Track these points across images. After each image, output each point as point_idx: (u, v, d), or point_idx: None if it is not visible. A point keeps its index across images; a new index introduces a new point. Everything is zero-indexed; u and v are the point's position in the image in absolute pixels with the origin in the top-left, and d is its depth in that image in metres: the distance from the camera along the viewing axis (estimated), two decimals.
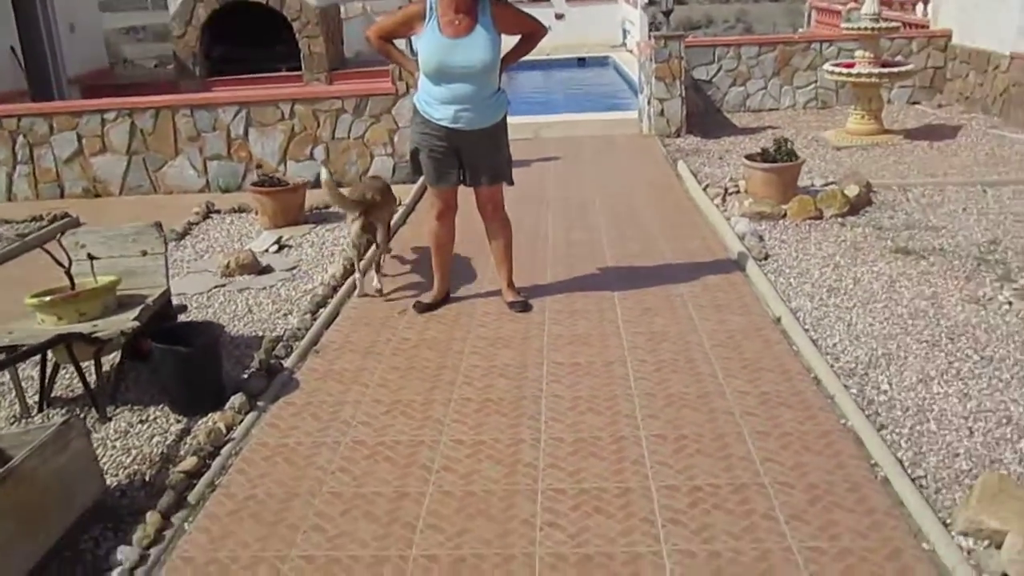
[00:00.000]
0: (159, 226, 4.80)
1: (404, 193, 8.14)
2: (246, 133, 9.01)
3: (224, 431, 3.93)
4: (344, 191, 5.78)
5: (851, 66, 9.77)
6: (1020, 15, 10.18)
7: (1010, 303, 4.99)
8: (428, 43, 4.79)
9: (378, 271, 5.80)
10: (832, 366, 4.32)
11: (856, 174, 7.56)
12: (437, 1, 4.82)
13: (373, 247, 5.78)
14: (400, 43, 5.45)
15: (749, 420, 3.86)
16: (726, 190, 7.55)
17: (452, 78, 4.80)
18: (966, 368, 4.27)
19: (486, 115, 4.94)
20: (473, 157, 5.02)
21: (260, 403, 4.23)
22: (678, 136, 10.36)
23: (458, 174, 5.10)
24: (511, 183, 5.29)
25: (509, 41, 5.07)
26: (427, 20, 4.82)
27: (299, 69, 14.41)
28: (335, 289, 5.78)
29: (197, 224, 7.77)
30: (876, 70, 9.49)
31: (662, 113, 10.43)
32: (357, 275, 5.69)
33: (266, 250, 6.80)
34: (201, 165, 9.08)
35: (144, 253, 4.67)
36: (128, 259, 4.67)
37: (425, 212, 5.56)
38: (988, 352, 4.44)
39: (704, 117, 11.42)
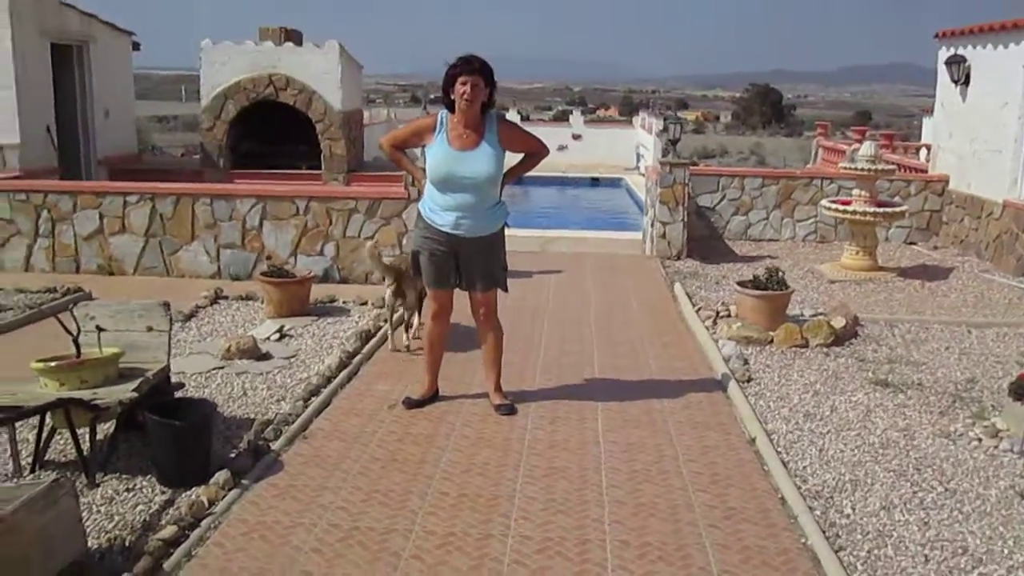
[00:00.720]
0: (166, 305, 5.04)
1: None
2: (261, 225, 9.36)
3: (206, 504, 4.07)
4: (385, 260, 6.71)
5: (848, 203, 10.14)
6: (1012, 166, 10.61)
7: (980, 439, 5.14)
8: (437, 153, 5.12)
9: (407, 330, 6.84)
10: (799, 488, 4.45)
11: (845, 307, 7.80)
12: (447, 116, 5.18)
13: (402, 310, 6.79)
14: (416, 151, 5.82)
15: (713, 533, 3.99)
16: (717, 313, 7.79)
17: (457, 187, 5.10)
18: (929, 499, 4.40)
19: (486, 224, 5.23)
20: (470, 263, 5.29)
21: (244, 481, 4.37)
22: (679, 259, 10.68)
23: (455, 278, 5.36)
24: (505, 290, 5.55)
25: (512, 158, 5.40)
26: (437, 132, 5.17)
27: (319, 168, 14.96)
28: (329, 379, 5.97)
29: (204, 308, 8.03)
30: (871, 209, 9.85)
31: (664, 236, 10.78)
32: (388, 330, 6.77)
33: (267, 337, 7.02)
34: (215, 252, 9.41)
35: (149, 329, 4.89)
36: (133, 334, 4.89)
37: (426, 314, 5.80)
38: (952, 485, 4.57)
39: (706, 242, 11.78)
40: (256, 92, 15.19)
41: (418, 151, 5.85)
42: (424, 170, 5.30)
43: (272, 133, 15.34)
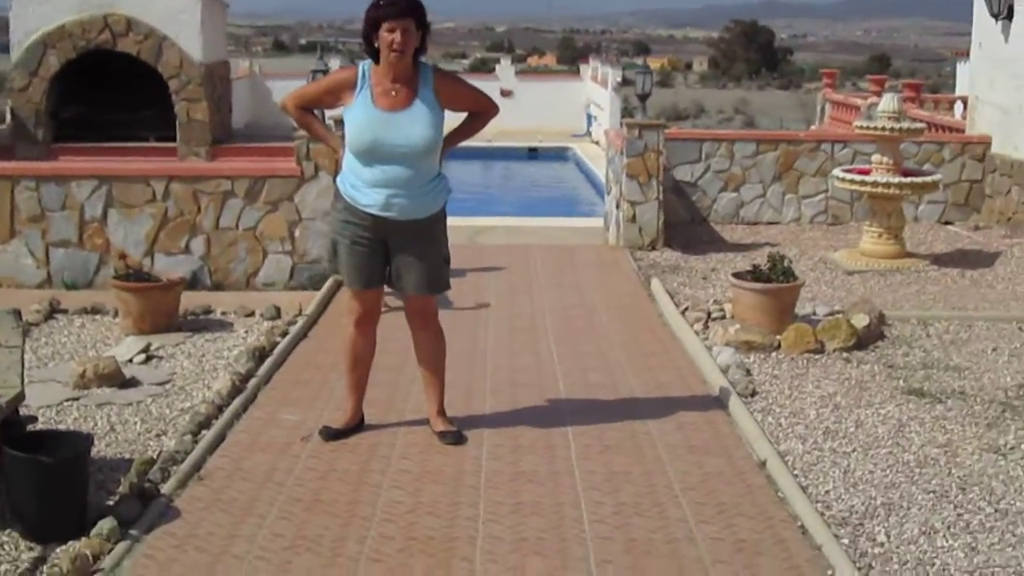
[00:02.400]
0: (17, 314, 5.32)
1: (306, 300, 8.75)
2: (105, 215, 9.58)
3: (91, 559, 4.38)
4: None
5: (866, 173, 10.79)
6: None
7: None
8: (359, 116, 5.42)
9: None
10: (823, 514, 4.95)
11: (867, 303, 8.39)
12: (371, 68, 5.50)
13: None
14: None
15: (721, 569, 4.45)
16: (709, 314, 8.32)
17: (385, 158, 5.39)
18: (976, 521, 4.94)
19: (423, 204, 5.53)
20: (403, 254, 5.58)
21: (133, 532, 4.69)
22: (653, 249, 11.23)
23: (383, 273, 5.69)
24: (447, 288, 5.90)
25: (451, 119, 5.75)
26: (358, 90, 5.46)
27: (172, 139, 15.12)
28: (220, 408, 6.29)
29: (38, 325, 8.26)
30: (896, 179, 10.52)
31: (634, 220, 11.31)
32: None
33: (131, 359, 7.31)
34: (42, 252, 9.59)
35: None
36: None
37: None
38: (1003, 505, 5.12)
39: (686, 227, 12.35)
40: (86, 40, 15.29)
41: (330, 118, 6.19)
42: (343, 138, 5.63)
43: (107, 94, 15.42)
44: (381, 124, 5.38)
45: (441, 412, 5.96)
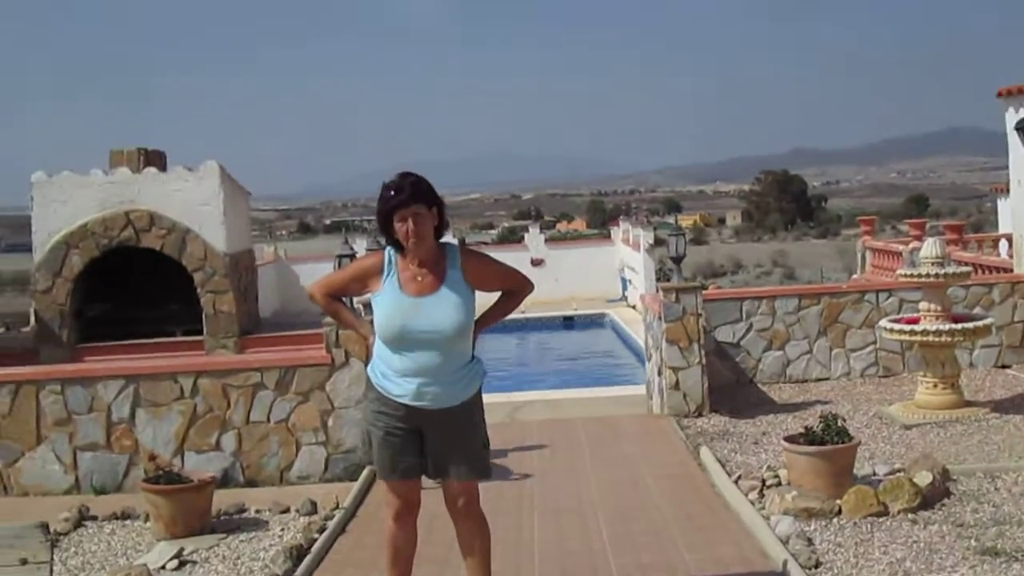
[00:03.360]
0: (45, 528, 5.30)
1: (342, 493, 8.68)
2: (132, 415, 9.63)
3: None
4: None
5: (915, 321, 10.76)
6: None
7: None
8: (387, 303, 5.42)
9: None
10: None
11: (929, 458, 8.25)
12: (395, 254, 5.51)
13: None
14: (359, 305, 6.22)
15: None
16: (763, 482, 8.20)
17: (415, 345, 5.37)
18: None
19: (456, 391, 5.47)
20: (440, 442, 5.52)
21: None
22: (699, 416, 11.17)
23: (421, 464, 5.59)
24: (489, 474, 5.78)
25: (483, 299, 5.76)
26: (385, 276, 5.48)
27: (199, 333, 15.27)
28: None
29: (67, 534, 8.23)
30: (946, 327, 10.46)
31: (677, 387, 11.27)
32: None
33: (163, 566, 7.24)
34: (70, 457, 9.61)
35: (24, 562, 5.13)
36: (2, 569, 5.12)
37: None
38: None
39: (732, 390, 12.29)
40: (109, 237, 15.64)
41: (358, 303, 6.25)
42: (372, 324, 5.65)
43: (132, 290, 15.68)
44: (410, 310, 5.36)
45: None
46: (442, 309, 5.39)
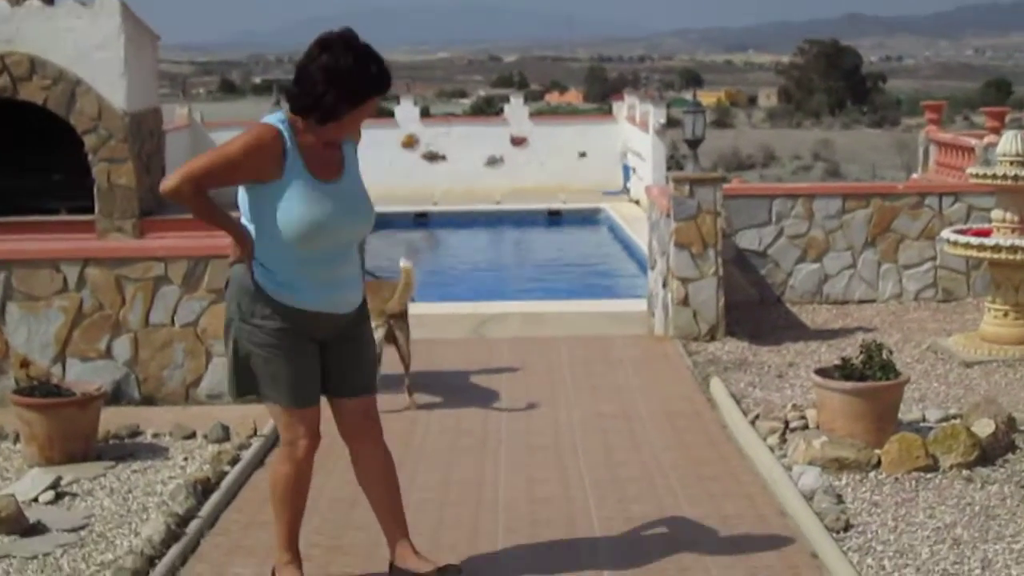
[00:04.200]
0: None
1: (261, 417, 8.69)
2: (2, 311, 9.57)
3: None
4: None
5: (986, 234, 10.75)
6: None
7: None
8: (298, 193, 5.37)
9: (410, 393, 9.19)
10: None
11: (993, 403, 8.31)
12: (289, 126, 5.42)
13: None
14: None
15: None
16: (787, 424, 8.24)
17: (332, 243, 5.48)
18: None
19: (360, 289, 5.74)
20: (342, 353, 5.71)
21: None
22: (712, 340, 11.18)
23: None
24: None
25: None
26: (287, 159, 5.38)
27: (90, 211, 15.16)
28: (152, 561, 6.22)
29: None
30: None
31: (686, 302, 11.28)
32: None
33: (36, 498, 7.24)
34: None
35: None
36: None
37: (278, 451, 6.00)
38: None
39: (754, 310, 12.31)
40: None
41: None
42: (253, 230, 5.45)
43: (5, 154, 15.52)
44: (327, 201, 5.42)
45: (411, 545, 5.91)
46: (356, 195, 5.57)
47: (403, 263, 9.12)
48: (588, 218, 24.03)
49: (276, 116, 5.45)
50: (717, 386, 9.40)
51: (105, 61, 15.50)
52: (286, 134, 5.36)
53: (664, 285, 11.56)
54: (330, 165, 5.46)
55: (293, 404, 5.61)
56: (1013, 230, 10.62)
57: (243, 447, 8.13)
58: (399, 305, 9.11)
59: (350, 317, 5.65)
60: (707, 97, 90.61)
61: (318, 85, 5.28)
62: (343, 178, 5.50)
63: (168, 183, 5.26)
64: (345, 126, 5.45)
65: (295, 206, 5.33)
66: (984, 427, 7.79)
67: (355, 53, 5.32)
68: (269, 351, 5.49)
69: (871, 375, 7.82)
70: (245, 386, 5.62)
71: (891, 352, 8.07)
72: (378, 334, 8.88)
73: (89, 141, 15.36)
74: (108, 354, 9.56)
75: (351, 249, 5.57)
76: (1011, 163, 10.55)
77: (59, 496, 7.38)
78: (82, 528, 6.84)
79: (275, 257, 5.40)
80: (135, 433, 8.58)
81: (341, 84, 5.29)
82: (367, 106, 5.40)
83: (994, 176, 10.62)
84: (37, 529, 6.78)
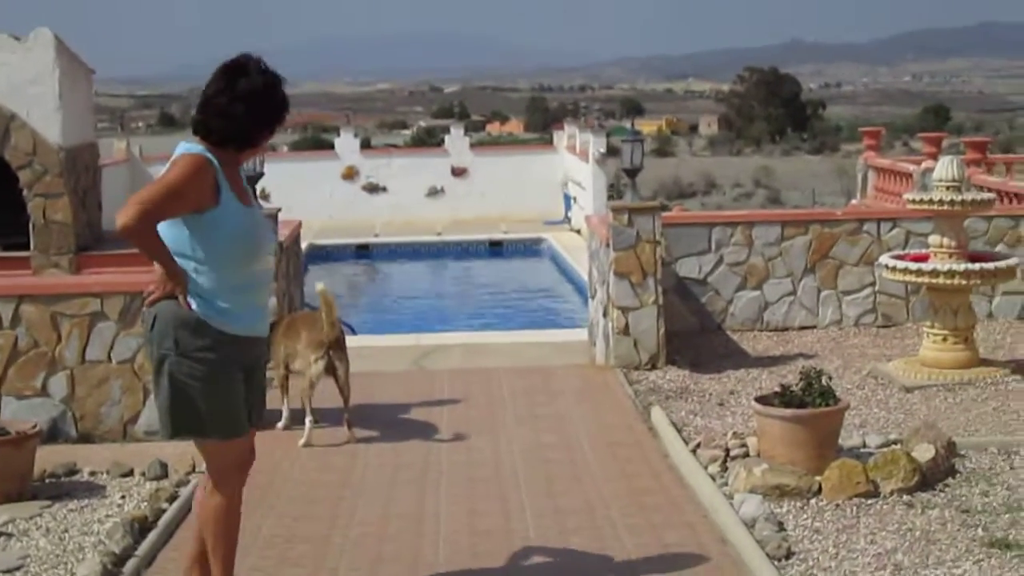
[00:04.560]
0: None
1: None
2: None
3: None
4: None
5: (924, 259, 10.83)
6: None
7: None
8: (235, 219, 5.46)
9: (349, 427, 9.16)
10: None
11: (933, 428, 8.37)
12: (212, 157, 5.48)
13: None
14: None
15: None
16: (727, 452, 8.26)
17: (259, 265, 5.68)
18: None
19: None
20: (253, 383, 5.81)
21: None
22: (653, 368, 11.22)
23: None
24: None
25: None
26: (220, 188, 5.45)
27: (25, 247, 15.04)
28: None
29: None
30: (961, 267, 10.54)
31: (626, 331, 11.30)
32: (309, 421, 9.05)
33: None
34: None
35: None
36: None
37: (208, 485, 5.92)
38: None
39: (695, 338, 12.35)
40: None
41: None
42: (186, 263, 5.44)
43: None
44: (255, 225, 5.65)
45: None
46: (265, 219, 5.92)
47: (318, 286, 9.30)
48: (530, 248, 24.09)
49: (195, 146, 5.43)
50: (658, 415, 9.42)
51: (39, 95, 15.40)
52: (216, 163, 5.42)
53: (604, 314, 11.58)
54: (244, 192, 5.62)
55: (232, 435, 5.64)
56: (950, 255, 10.70)
57: (181, 484, 8.08)
58: (332, 330, 9.18)
59: (264, 342, 5.92)
60: (648, 126, 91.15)
61: (239, 112, 5.39)
62: (254, 203, 5.72)
63: (127, 220, 5.18)
64: (256, 151, 5.75)
65: (234, 231, 5.44)
66: (924, 452, 7.84)
67: (267, 77, 5.48)
68: (208, 384, 5.49)
69: (811, 402, 7.85)
70: (180, 424, 5.54)
71: (831, 378, 8.10)
72: (318, 367, 9.05)
73: (24, 176, 15.24)
74: (44, 391, 9.50)
75: (270, 269, 5.88)
76: (947, 188, 10.65)
77: None
78: (17, 569, 6.79)
79: (212, 287, 5.45)
80: (72, 471, 8.52)
81: (260, 109, 5.45)
82: (271, 132, 5.63)
83: (931, 201, 10.71)
84: None
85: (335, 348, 9.22)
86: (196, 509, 5.95)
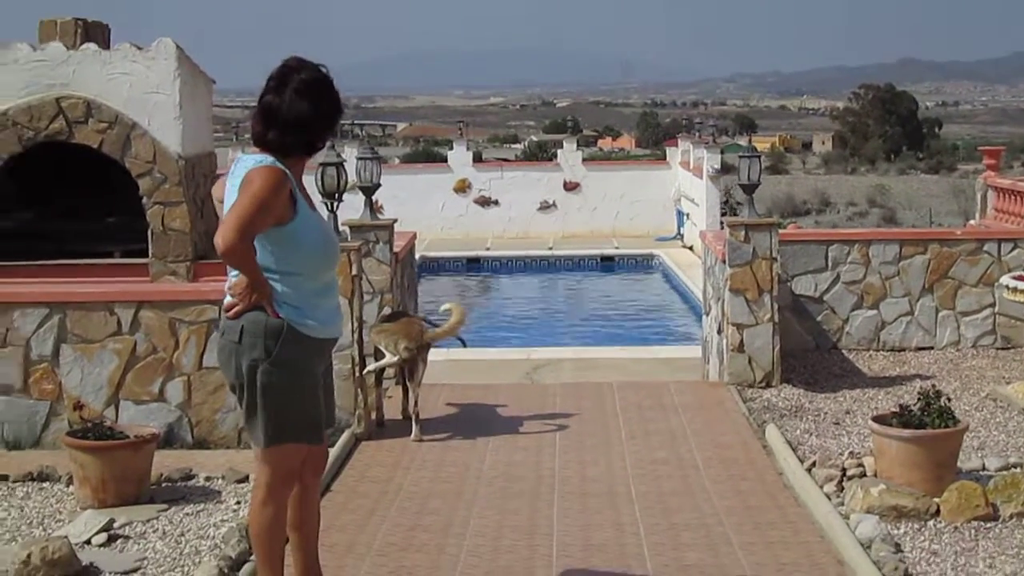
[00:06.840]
0: None
1: None
2: (56, 352, 9.64)
3: None
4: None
5: None
6: None
7: None
8: (310, 226, 5.62)
9: (417, 420, 9.57)
10: None
11: None
12: (280, 166, 5.58)
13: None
14: None
15: None
16: (844, 472, 8.20)
17: (333, 271, 5.91)
18: None
19: None
20: (327, 386, 5.93)
21: None
22: (767, 386, 11.17)
23: None
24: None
25: None
26: (296, 197, 5.57)
27: (144, 254, 15.24)
28: None
29: None
30: None
31: (741, 348, 11.27)
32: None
33: (89, 540, 7.30)
34: None
35: None
36: None
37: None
38: None
39: (810, 357, 12.29)
40: (35, 129, 15.51)
41: None
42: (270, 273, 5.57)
43: (61, 197, 15.62)
44: (329, 231, 5.94)
45: None
46: (328, 225, 6.23)
47: (454, 305, 10.08)
48: (642, 264, 24.02)
49: (266, 157, 5.50)
50: (773, 433, 9.37)
51: (160, 105, 15.56)
52: (289, 173, 5.53)
53: (719, 331, 11.54)
54: (310, 199, 5.71)
55: (316, 439, 5.79)
56: None
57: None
58: (442, 335, 10.07)
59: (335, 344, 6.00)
60: (761, 142, 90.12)
61: (303, 111, 5.49)
62: (316, 208, 5.78)
63: (232, 240, 5.28)
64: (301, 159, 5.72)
65: (314, 240, 5.62)
66: None
67: (316, 72, 5.61)
68: (298, 391, 5.62)
69: (930, 422, 7.78)
70: (279, 431, 5.58)
71: (949, 400, 8.02)
72: (403, 356, 9.65)
73: (143, 184, 15.41)
74: (161, 397, 9.64)
75: (336, 270, 6.05)
76: None
77: (112, 539, 7.44)
78: (134, 571, 6.91)
79: (296, 294, 5.59)
80: (188, 476, 8.65)
81: (320, 103, 5.56)
82: (335, 128, 5.85)
83: None
84: (89, 572, 6.86)
85: (424, 350, 9.82)
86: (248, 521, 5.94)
